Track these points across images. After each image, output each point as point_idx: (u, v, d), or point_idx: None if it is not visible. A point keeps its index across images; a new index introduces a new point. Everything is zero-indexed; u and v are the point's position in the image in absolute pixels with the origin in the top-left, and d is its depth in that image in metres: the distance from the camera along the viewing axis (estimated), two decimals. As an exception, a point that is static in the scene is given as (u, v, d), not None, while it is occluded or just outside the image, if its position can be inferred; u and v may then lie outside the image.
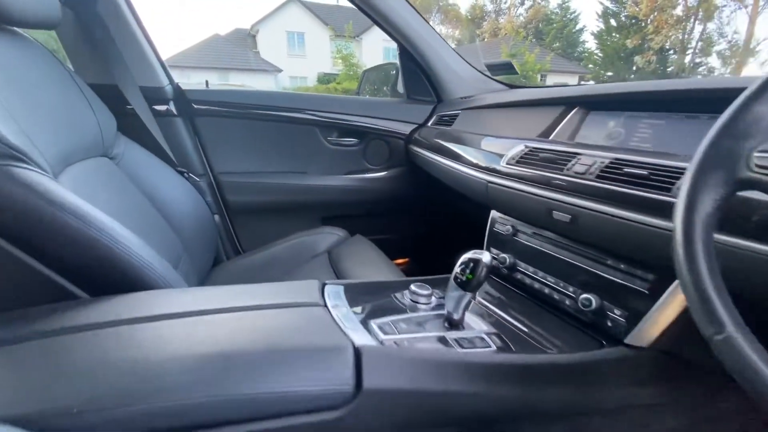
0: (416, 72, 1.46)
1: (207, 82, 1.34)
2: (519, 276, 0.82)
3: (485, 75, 1.49)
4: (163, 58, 1.26)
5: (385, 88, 1.85)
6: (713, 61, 21.38)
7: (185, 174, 1.19)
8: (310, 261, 1.23)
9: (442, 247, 1.77)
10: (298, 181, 1.43)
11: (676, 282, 0.59)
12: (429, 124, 1.46)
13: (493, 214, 0.93)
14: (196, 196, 1.16)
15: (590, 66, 24.27)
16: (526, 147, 0.85)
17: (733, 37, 20.54)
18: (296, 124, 1.41)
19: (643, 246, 0.61)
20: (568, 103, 0.92)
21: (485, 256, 0.62)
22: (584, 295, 0.68)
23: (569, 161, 0.73)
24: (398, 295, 0.74)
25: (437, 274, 1.71)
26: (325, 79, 19.30)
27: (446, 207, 1.58)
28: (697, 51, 21.26)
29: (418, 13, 1.33)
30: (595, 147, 0.77)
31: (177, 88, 1.27)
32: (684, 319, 0.60)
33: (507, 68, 1.38)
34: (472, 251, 0.65)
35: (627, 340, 0.63)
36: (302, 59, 21.11)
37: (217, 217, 1.34)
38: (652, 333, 0.61)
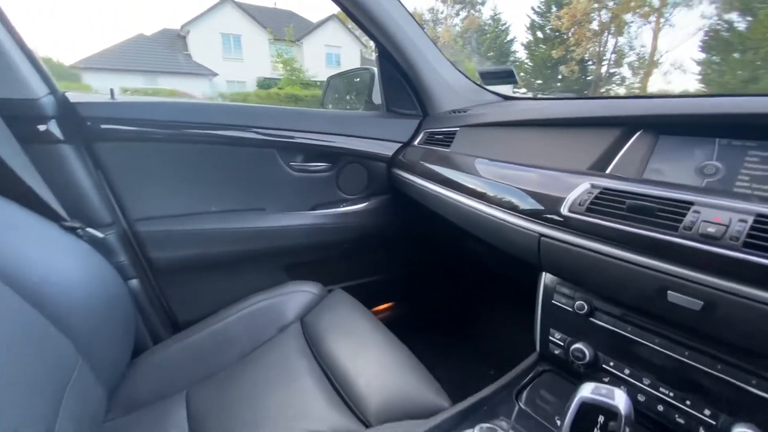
0: (398, 80, 1.19)
1: (112, 90, 0.92)
2: (607, 380, 0.57)
3: (478, 85, 1.26)
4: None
5: (349, 97, 1.56)
6: (625, 71, 23.79)
7: (78, 230, 0.80)
8: (277, 336, 0.90)
9: (437, 290, 1.51)
10: (252, 223, 1.07)
11: None
12: (415, 142, 1.19)
13: (548, 278, 0.67)
14: (97, 261, 0.77)
15: (521, 74, 25.84)
16: (594, 187, 0.61)
17: (640, 50, 23.03)
18: (248, 147, 1.06)
19: None
20: (627, 124, 0.70)
21: (621, 401, 0.36)
22: (740, 430, 0.44)
23: (681, 214, 0.50)
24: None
25: (429, 318, 1.42)
26: (265, 83, 18.40)
27: (441, 241, 1.32)
28: (611, 62, 23.52)
29: (406, 10, 1.06)
30: (700, 191, 0.54)
31: (62, 101, 0.85)
32: None
33: (507, 76, 1.16)
34: (591, 385, 0.38)
35: None
36: (239, 63, 19.93)
37: (135, 282, 0.94)
38: None
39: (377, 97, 1.28)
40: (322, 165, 1.17)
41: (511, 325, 0.75)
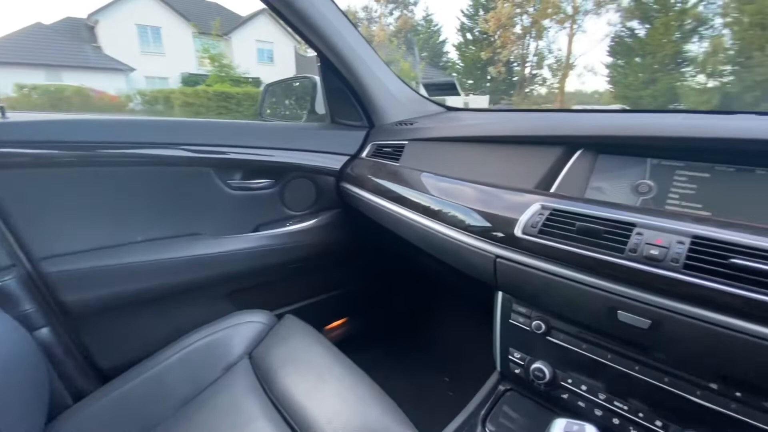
0: (342, 90, 1.14)
1: (3, 108, 0.76)
2: (567, 396, 0.59)
3: (421, 95, 1.26)
4: None
5: (288, 102, 1.48)
6: (545, 72, 25.90)
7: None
8: (223, 377, 0.81)
9: (392, 303, 1.49)
10: (186, 251, 0.96)
11: None
12: (363, 155, 1.16)
13: (504, 297, 0.68)
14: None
15: (454, 75, 26.96)
16: (544, 208, 0.63)
17: (558, 53, 25.21)
18: (178, 166, 0.95)
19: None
20: (568, 144, 0.73)
21: (593, 437, 0.36)
22: (690, 439, 0.47)
23: (626, 236, 0.52)
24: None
25: (384, 332, 1.40)
26: (191, 80, 17.08)
27: (394, 255, 1.30)
28: (533, 64, 25.45)
29: (348, 19, 1.01)
30: (637, 211, 0.58)
31: None
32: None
33: (449, 88, 1.19)
34: (563, 422, 0.38)
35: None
36: (160, 57, 18.29)
37: (45, 332, 0.80)
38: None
39: (321, 107, 1.22)
40: (264, 182, 1.09)
41: (465, 337, 0.75)
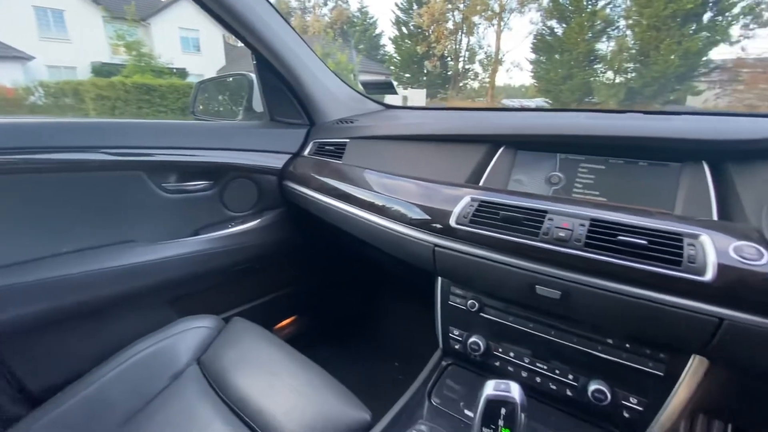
0: (279, 88, 1.14)
1: None
2: (498, 363, 0.67)
3: (360, 93, 1.30)
4: None
5: (222, 98, 1.43)
6: (477, 67, 27.19)
7: None
8: (171, 386, 0.79)
9: (340, 297, 1.51)
10: (120, 259, 0.91)
11: (695, 357, 0.55)
12: (305, 153, 1.17)
13: (443, 282, 0.75)
14: None
15: (391, 68, 27.25)
16: (474, 200, 0.70)
17: (487, 49, 26.58)
18: (103, 171, 0.89)
19: (656, 326, 0.53)
20: (493, 141, 0.82)
21: (516, 392, 0.44)
22: (594, 387, 0.57)
23: (540, 222, 0.61)
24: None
25: (334, 326, 1.44)
26: (104, 70, 15.34)
27: (340, 251, 1.33)
28: (466, 59, 26.57)
29: (281, 16, 1.01)
30: (549, 199, 0.68)
31: None
32: (702, 393, 0.56)
33: (386, 87, 1.22)
34: (492, 383, 0.45)
35: (650, 430, 0.56)
36: (65, 44, 16.20)
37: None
38: (671, 417, 0.55)
39: (259, 105, 1.20)
40: (202, 183, 1.06)
41: (411, 322, 0.82)
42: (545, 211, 0.63)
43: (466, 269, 0.68)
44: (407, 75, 26.19)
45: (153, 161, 0.95)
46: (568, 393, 0.60)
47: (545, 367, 0.63)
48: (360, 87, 1.30)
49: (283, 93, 1.15)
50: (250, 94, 1.21)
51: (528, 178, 0.77)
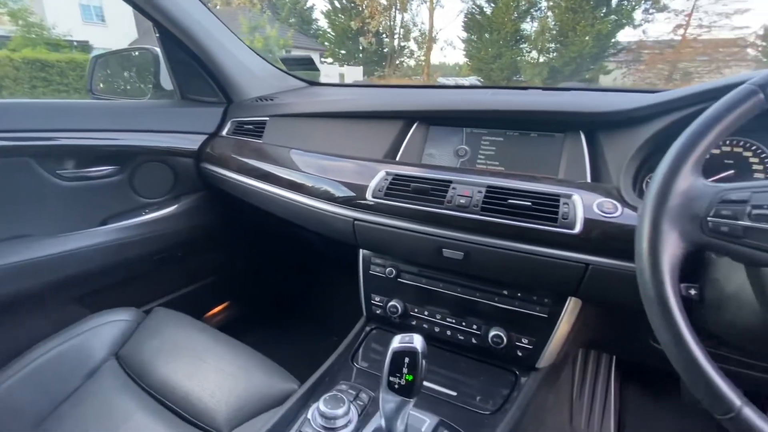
0: (189, 64, 1.07)
1: None
2: (415, 323, 0.73)
3: (281, 70, 1.26)
4: None
5: (126, 74, 1.31)
6: (412, 45, 27.27)
7: None
8: (85, 384, 0.75)
9: (273, 279, 1.49)
10: (12, 256, 0.81)
11: (570, 299, 0.65)
12: (224, 132, 1.12)
13: (365, 253, 0.79)
14: None
15: (326, 44, 26.35)
16: (388, 174, 0.74)
17: (421, 26, 26.66)
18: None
19: (538, 274, 0.61)
20: (408, 118, 0.85)
21: (418, 342, 0.49)
22: (493, 333, 0.65)
23: (445, 191, 0.67)
24: (307, 430, 0.51)
25: (269, 308, 1.44)
26: (-18, 42, 12.98)
27: (267, 232, 1.31)
28: (401, 36, 26.48)
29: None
30: (455, 170, 0.74)
31: None
32: (578, 329, 0.66)
33: (306, 64, 1.20)
34: (398, 337, 0.50)
35: (538, 364, 0.65)
36: (-77, 9, 13.35)
37: None
38: (555, 351, 0.65)
39: (167, 82, 1.12)
40: (107, 168, 0.98)
41: (342, 296, 0.85)
42: (450, 182, 0.68)
43: (383, 239, 0.72)
44: (343, 52, 25.52)
45: (42, 146, 0.85)
46: (474, 341, 0.68)
47: (454, 321, 0.70)
48: (281, 64, 1.26)
49: (194, 69, 1.08)
50: (157, 69, 1.12)
51: (439, 152, 0.82)
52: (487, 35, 20.07)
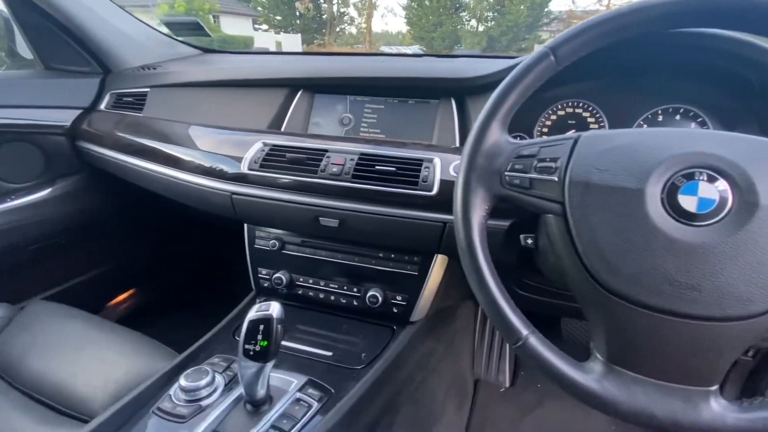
0: (49, 29, 0.94)
1: None
2: (301, 291, 0.74)
3: (168, 36, 1.16)
4: None
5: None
6: (352, 11, 26.27)
7: None
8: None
9: (178, 264, 1.41)
10: None
11: (436, 256, 0.69)
12: (102, 106, 1.02)
13: (249, 227, 0.77)
14: None
15: (259, 9, 24.53)
16: (265, 145, 0.72)
17: (361, -8, 25.64)
18: None
19: (406, 236, 0.65)
20: (291, 86, 0.83)
21: (274, 309, 0.50)
22: (370, 293, 0.69)
23: (320, 160, 0.67)
24: (166, 404, 0.51)
25: (176, 297, 1.38)
26: None
27: (167, 214, 1.24)
28: (340, 2, 25.33)
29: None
30: (334, 139, 0.74)
31: None
32: (445, 284, 0.71)
33: (193, 28, 1.11)
34: (255, 306, 0.50)
35: (412, 318, 0.70)
36: None
37: None
38: (426, 305, 0.70)
39: (25, 50, 0.99)
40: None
41: (242, 272, 0.83)
42: (325, 150, 0.68)
43: (262, 212, 0.72)
44: (278, 18, 23.93)
45: None
46: (355, 303, 0.71)
47: (336, 286, 0.72)
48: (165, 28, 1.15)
49: (56, 35, 0.95)
50: (11, 36, 0.97)
51: (325, 120, 0.81)
52: (427, 2, 19.82)
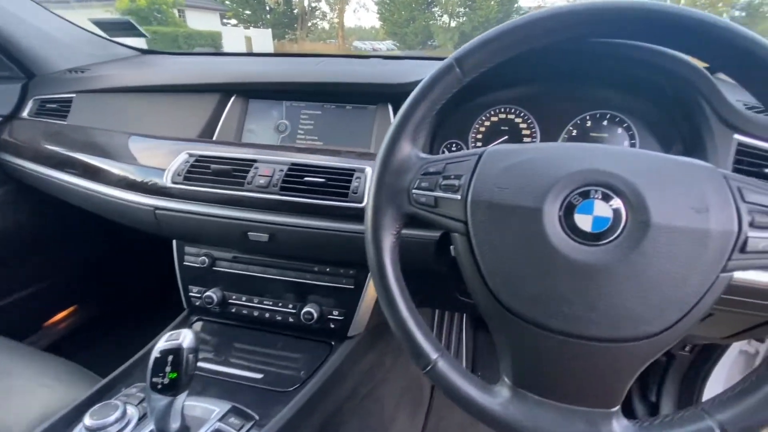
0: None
1: None
2: (234, 309, 0.71)
3: (101, 37, 1.08)
4: None
5: None
6: (324, 6, 25.96)
7: None
8: None
9: (121, 279, 1.32)
10: None
11: None
12: (24, 114, 0.94)
13: (177, 244, 0.73)
14: None
15: (227, 3, 23.82)
16: (191, 156, 0.68)
17: (330, -13, 25.30)
18: None
19: (339, 249, 0.63)
20: (224, 90, 0.78)
21: (185, 338, 0.47)
22: (305, 310, 0.66)
23: (247, 172, 0.63)
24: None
25: (119, 313, 1.30)
26: None
27: (105, 228, 1.17)
28: (312, -3, 24.93)
29: None
30: (267, 148, 0.71)
31: None
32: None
33: (126, 28, 1.04)
34: (166, 335, 0.47)
35: (350, 333, 0.68)
36: None
37: None
38: (365, 318, 0.68)
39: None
40: None
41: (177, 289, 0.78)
42: (254, 161, 0.65)
43: (189, 227, 0.67)
44: (247, 12, 23.32)
45: None
46: (290, 320, 0.68)
47: (271, 303, 0.69)
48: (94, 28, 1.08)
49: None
50: None
51: (259, 128, 0.78)
52: (397, -3, 19.79)
